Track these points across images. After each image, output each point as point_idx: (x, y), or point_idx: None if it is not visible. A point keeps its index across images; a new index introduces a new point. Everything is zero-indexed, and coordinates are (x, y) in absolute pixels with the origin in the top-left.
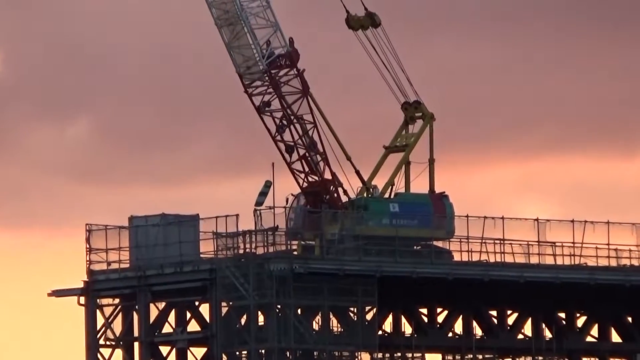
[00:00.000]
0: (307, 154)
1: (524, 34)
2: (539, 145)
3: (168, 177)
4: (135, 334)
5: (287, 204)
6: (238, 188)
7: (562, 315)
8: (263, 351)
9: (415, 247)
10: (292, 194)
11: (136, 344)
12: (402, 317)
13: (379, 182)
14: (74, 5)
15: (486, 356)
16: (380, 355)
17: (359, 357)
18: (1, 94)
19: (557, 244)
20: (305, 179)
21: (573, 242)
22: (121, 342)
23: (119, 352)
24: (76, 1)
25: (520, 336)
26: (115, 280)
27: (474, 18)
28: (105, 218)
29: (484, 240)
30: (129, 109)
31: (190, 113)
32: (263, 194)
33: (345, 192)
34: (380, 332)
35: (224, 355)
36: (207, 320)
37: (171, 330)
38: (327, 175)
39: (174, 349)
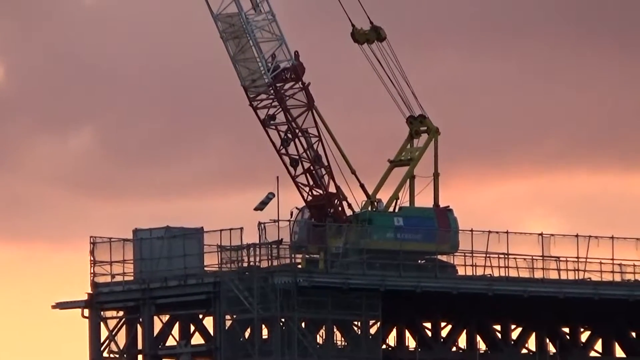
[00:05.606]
0: (311, 168)
1: (529, 47)
2: (543, 159)
3: (172, 190)
4: (139, 346)
5: (291, 217)
6: (242, 201)
7: (566, 330)
8: None
9: (419, 261)
10: (296, 208)
11: (140, 357)
12: (406, 331)
13: (384, 196)
14: (76, 16)
15: None
16: None
17: None
18: (4, 106)
19: (561, 258)
20: (310, 193)
21: (577, 257)
22: (125, 355)
23: None
24: (78, 12)
25: (524, 351)
26: (119, 293)
27: (479, 32)
28: (110, 231)
29: (488, 255)
30: (132, 121)
31: (194, 126)
32: (264, 203)
33: (349, 205)
34: (384, 346)
35: None
36: (211, 333)
37: (175, 344)
38: (332, 189)
39: None
